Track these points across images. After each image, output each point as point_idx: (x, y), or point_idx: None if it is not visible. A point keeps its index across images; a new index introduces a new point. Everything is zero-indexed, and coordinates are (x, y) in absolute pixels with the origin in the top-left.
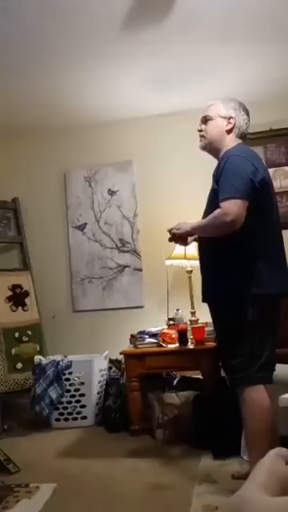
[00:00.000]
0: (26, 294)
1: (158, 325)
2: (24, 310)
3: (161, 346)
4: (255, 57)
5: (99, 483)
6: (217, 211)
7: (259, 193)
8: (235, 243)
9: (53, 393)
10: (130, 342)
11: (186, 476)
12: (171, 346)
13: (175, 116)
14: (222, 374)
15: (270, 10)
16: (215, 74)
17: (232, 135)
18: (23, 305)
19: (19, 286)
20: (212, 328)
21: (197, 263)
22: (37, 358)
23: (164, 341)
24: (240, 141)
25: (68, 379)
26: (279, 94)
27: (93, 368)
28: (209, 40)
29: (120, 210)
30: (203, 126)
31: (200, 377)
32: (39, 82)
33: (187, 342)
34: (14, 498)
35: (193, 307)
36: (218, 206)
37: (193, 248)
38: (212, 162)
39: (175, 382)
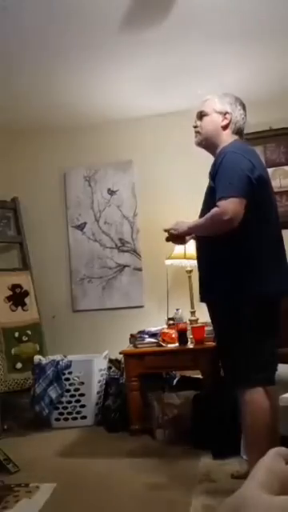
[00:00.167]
0: (26, 293)
1: (158, 324)
2: (24, 310)
3: (160, 345)
4: (255, 56)
5: (99, 483)
6: (214, 210)
7: (256, 190)
8: (233, 242)
9: (52, 393)
10: (130, 342)
11: (185, 476)
12: (171, 346)
13: (175, 116)
14: (222, 373)
15: (269, 10)
16: (215, 74)
17: (228, 131)
18: (23, 304)
19: (19, 286)
20: (211, 328)
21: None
22: (36, 357)
23: (164, 340)
24: (236, 137)
25: (68, 379)
26: (279, 94)
27: (92, 368)
28: (209, 40)
29: (120, 209)
30: (198, 122)
31: (200, 376)
32: (39, 82)
33: (187, 341)
34: (14, 498)
35: (192, 307)
36: (215, 205)
37: (193, 248)
38: (212, 162)
39: (175, 381)
